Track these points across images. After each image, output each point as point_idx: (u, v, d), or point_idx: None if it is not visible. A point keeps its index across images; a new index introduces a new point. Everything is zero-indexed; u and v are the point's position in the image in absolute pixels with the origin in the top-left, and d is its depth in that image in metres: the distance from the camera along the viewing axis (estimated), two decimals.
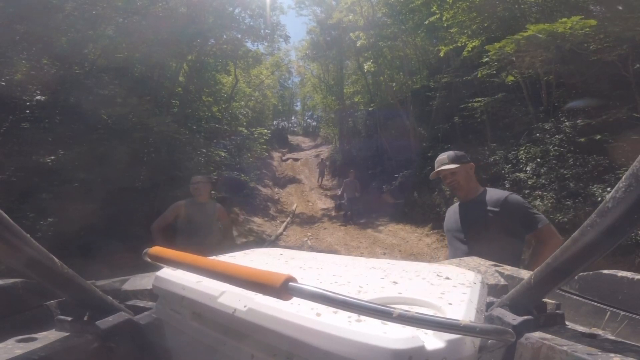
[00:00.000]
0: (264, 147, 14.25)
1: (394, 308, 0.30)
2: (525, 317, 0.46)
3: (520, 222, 1.60)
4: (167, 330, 0.55)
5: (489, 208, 1.65)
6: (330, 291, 0.32)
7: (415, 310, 0.33)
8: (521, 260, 1.71)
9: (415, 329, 0.32)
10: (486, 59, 6.95)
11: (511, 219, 1.60)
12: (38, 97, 5.54)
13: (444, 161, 1.75)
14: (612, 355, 0.39)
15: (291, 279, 0.34)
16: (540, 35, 5.47)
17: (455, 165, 1.71)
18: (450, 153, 1.77)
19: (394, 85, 12.98)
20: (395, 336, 0.31)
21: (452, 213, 1.85)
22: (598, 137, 5.30)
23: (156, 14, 7.46)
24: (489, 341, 0.36)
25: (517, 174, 6.27)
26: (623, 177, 0.32)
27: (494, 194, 1.70)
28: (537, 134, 6.29)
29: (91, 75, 6.60)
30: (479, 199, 1.72)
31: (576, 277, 0.60)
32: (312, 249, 7.57)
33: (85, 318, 0.51)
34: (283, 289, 0.33)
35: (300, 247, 7.77)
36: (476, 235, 1.66)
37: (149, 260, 0.51)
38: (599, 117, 5.48)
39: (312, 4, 17.00)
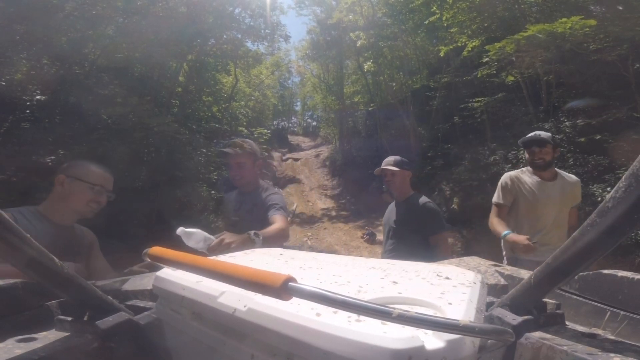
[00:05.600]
0: (264, 147, 14.26)
1: (394, 308, 0.30)
2: (525, 317, 0.46)
3: (428, 226, 1.97)
4: (167, 330, 0.55)
5: (411, 210, 2.00)
6: (330, 291, 0.32)
7: (415, 310, 0.33)
8: (432, 256, 2.03)
9: (415, 328, 0.31)
10: (486, 59, 6.96)
11: (424, 222, 1.96)
12: (38, 97, 5.54)
13: (390, 162, 2.11)
14: (612, 355, 0.39)
15: (291, 279, 0.34)
16: (540, 35, 5.47)
17: (396, 169, 2.06)
18: (397, 158, 2.15)
19: (394, 85, 12.97)
20: (395, 336, 0.31)
21: (389, 211, 2.18)
22: (598, 137, 5.31)
23: (156, 14, 7.46)
24: (489, 341, 0.36)
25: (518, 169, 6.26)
26: (623, 177, 0.32)
27: (417, 199, 2.04)
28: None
29: (91, 75, 6.60)
30: (408, 201, 2.07)
31: (576, 277, 0.60)
32: (312, 249, 7.57)
33: (85, 318, 0.51)
34: (283, 289, 0.33)
35: (300, 247, 7.77)
36: (400, 232, 2.00)
37: (148, 260, 0.51)
38: (599, 117, 5.48)
39: (312, 4, 16.99)
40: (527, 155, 2.19)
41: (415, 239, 1.95)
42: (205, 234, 1.26)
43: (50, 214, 1.22)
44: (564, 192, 2.12)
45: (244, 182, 1.78)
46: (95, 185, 1.26)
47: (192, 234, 1.23)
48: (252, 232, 1.36)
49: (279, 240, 1.53)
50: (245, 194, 1.81)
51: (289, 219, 1.76)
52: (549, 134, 2.13)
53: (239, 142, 1.78)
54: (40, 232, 1.14)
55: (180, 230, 1.22)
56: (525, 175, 2.20)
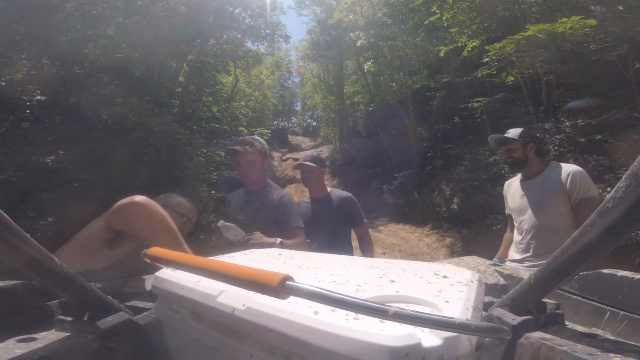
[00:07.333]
0: None
1: (391, 306, 0.30)
2: (525, 317, 0.46)
3: (351, 218, 2.11)
4: (167, 330, 0.55)
5: (332, 205, 2.10)
6: (327, 290, 0.32)
7: (412, 308, 0.33)
8: (352, 248, 2.20)
9: (412, 326, 0.32)
10: (486, 59, 6.94)
11: (350, 214, 2.10)
12: (38, 97, 5.54)
13: (308, 159, 2.17)
14: (612, 355, 0.39)
15: (288, 277, 0.34)
16: (540, 35, 5.46)
17: (314, 165, 2.12)
18: (315, 155, 2.23)
19: (394, 85, 12.98)
20: (392, 333, 0.31)
21: (305, 210, 2.20)
22: (598, 137, 5.30)
23: (156, 14, 7.46)
24: (487, 339, 0.36)
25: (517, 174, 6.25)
26: (623, 177, 0.32)
27: (337, 194, 2.17)
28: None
29: (91, 75, 6.60)
30: (328, 197, 2.15)
31: (576, 277, 0.60)
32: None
33: (85, 318, 0.51)
34: (280, 287, 0.33)
35: None
36: (324, 228, 2.02)
37: (148, 260, 0.51)
38: (599, 117, 5.47)
39: (312, 4, 17.02)
40: None
41: (341, 232, 2.06)
42: (240, 229, 1.45)
43: None
44: (547, 187, 1.74)
45: (251, 180, 1.78)
46: (183, 215, 1.38)
47: (230, 228, 1.43)
48: (279, 240, 1.45)
49: None
50: (251, 192, 1.80)
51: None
52: (518, 130, 1.88)
53: (249, 139, 1.78)
54: None
55: (221, 222, 1.42)
56: (517, 178, 1.99)
